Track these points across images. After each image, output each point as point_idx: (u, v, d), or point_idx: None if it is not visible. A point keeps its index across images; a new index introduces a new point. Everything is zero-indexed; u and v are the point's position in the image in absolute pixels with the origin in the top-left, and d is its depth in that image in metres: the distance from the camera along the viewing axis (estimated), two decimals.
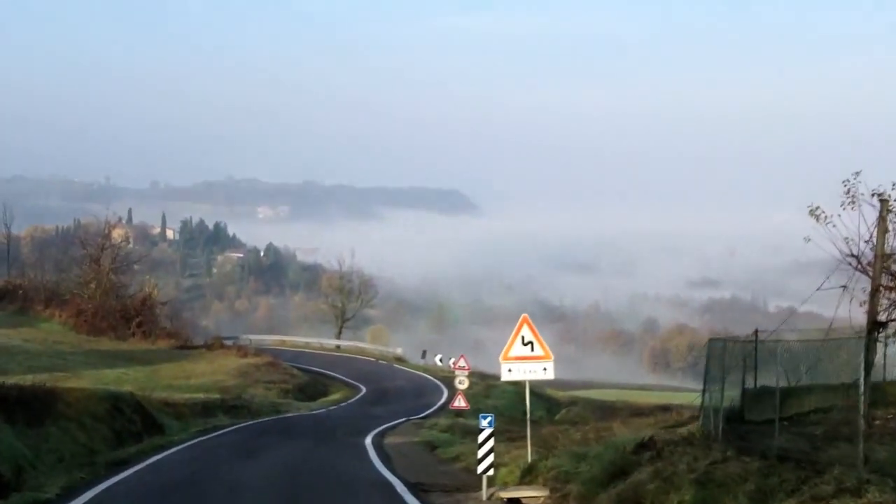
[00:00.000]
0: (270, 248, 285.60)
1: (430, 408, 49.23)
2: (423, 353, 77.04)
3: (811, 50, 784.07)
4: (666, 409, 50.83)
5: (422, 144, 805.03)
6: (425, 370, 70.67)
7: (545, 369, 19.27)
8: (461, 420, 40.50)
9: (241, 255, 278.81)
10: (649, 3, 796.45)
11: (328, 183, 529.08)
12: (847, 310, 17.04)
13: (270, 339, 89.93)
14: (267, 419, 40.21)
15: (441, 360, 71.66)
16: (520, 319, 19.43)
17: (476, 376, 53.64)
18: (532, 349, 19.07)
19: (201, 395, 42.23)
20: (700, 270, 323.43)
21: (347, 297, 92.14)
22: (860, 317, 16.90)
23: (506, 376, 19.63)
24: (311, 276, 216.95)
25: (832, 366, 16.60)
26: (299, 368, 65.09)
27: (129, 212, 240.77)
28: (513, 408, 54.53)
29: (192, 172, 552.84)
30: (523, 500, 17.10)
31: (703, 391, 17.44)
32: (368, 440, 30.18)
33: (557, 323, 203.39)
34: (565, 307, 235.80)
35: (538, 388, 66.68)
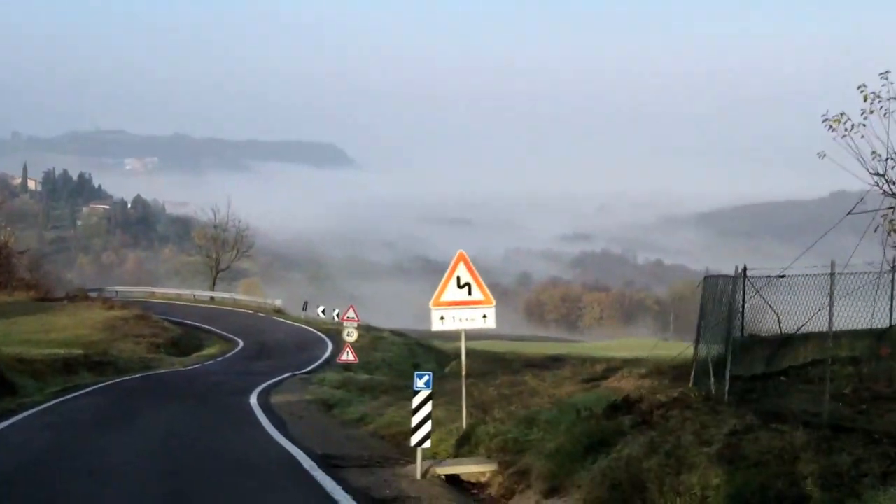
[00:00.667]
0: (138, 201, 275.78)
1: (315, 362, 46.33)
2: (305, 305, 73.13)
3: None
4: (557, 359, 48.81)
5: (295, 97, 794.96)
6: (307, 323, 67.14)
7: (485, 316, 15.75)
8: (352, 374, 38.09)
9: (108, 208, 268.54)
10: None
11: (198, 135, 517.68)
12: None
13: (139, 291, 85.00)
14: (136, 376, 36.31)
15: (324, 313, 67.90)
16: (455, 256, 15.83)
17: (361, 329, 50.52)
18: (469, 292, 15.50)
19: (62, 351, 38.02)
20: (572, 226, 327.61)
21: (222, 248, 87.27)
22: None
23: (437, 326, 15.91)
24: (182, 228, 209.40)
25: (835, 310, 13.65)
26: (171, 321, 61.03)
27: None
28: (401, 361, 52.01)
29: (56, 123, 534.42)
30: (465, 477, 13.82)
31: (697, 341, 14.37)
32: (253, 399, 26.74)
33: (436, 276, 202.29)
34: (443, 262, 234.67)
35: (425, 340, 63.82)
